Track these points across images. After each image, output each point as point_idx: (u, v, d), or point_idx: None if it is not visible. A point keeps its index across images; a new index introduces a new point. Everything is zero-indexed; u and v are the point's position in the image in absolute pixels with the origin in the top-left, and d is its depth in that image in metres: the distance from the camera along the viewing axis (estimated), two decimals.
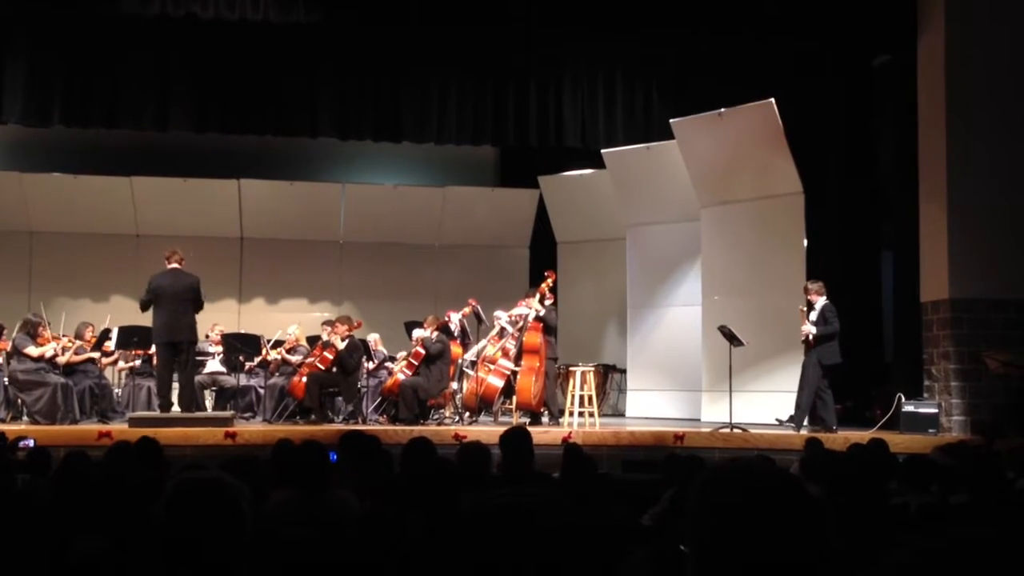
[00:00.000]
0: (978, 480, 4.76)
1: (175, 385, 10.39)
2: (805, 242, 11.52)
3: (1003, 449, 7.06)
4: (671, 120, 12.25)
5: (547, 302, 11.18)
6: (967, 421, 10.34)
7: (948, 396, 10.50)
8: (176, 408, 10.22)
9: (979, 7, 10.74)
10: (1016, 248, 10.43)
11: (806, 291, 10.49)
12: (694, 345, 12.36)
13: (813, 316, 10.32)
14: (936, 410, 10.33)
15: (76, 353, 10.93)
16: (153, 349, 11.38)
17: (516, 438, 5.25)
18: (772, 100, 11.25)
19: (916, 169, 11.15)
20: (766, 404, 11.37)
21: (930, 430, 10.09)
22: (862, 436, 8.79)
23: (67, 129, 12.50)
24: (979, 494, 4.69)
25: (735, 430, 10.17)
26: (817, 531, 1.44)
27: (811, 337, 10.19)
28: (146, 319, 10.83)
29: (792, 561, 1.41)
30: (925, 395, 10.71)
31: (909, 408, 10.36)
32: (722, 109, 11.73)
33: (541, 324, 11.02)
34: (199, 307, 10.25)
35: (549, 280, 11.39)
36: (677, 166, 12.42)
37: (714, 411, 11.59)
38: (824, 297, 10.42)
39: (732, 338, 10.57)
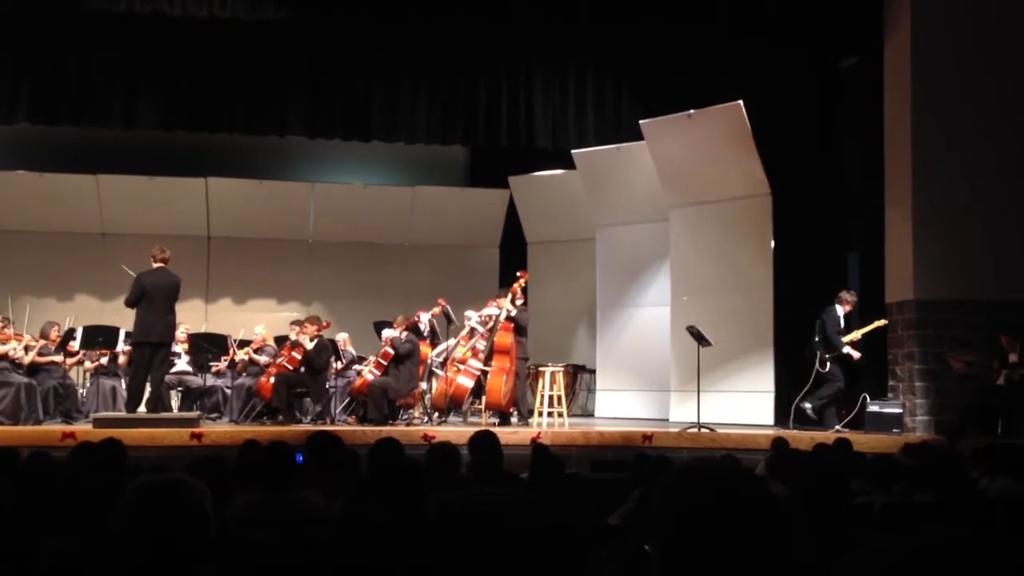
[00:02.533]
0: (942, 480, 4.81)
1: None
2: (773, 243, 11.60)
3: (966, 449, 7.14)
4: (641, 121, 12.29)
5: (518, 302, 11.18)
6: (931, 421, 10.45)
7: (912, 396, 10.61)
8: (142, 409, 10.11)
9: (945, 10, 10.85)
10: (980, 250, 10.56)
11: (849, 302, 10.77)
12: (663, 345, 12.40)
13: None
14: (900, 410, 10.44)
15: (40, 353, 10.81)
16: (119, 348, 11.31)
17: (484, 442, 5.25)
18: (740, 102, 11.32)
19: (882, 171, 11.26)
20: (734, 404, 11.44)
21: (894, 430, 10.20)
22: (827, 436, 8.87)
23: (33, 126, 12.36)
24: (942, 494, 4.74)
25: (703, 430, 10.22)
26: (780, 532, 1.45)
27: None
28: (111, 319, 10.72)
29: (756, 562, 1.42)
30: (890, 395, 10.81)
31: (874, 408, 10.46)
32: (691, 111, 11.79)
33: (512, 324, 11.01)
34: None
35: (522, 280, 11.38)
36: (647, 167, 12.47)
37: (682, 411, 11.64)
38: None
39: (700, 338, 10.62)
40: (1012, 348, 10.11)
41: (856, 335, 10.61)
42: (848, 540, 3.29)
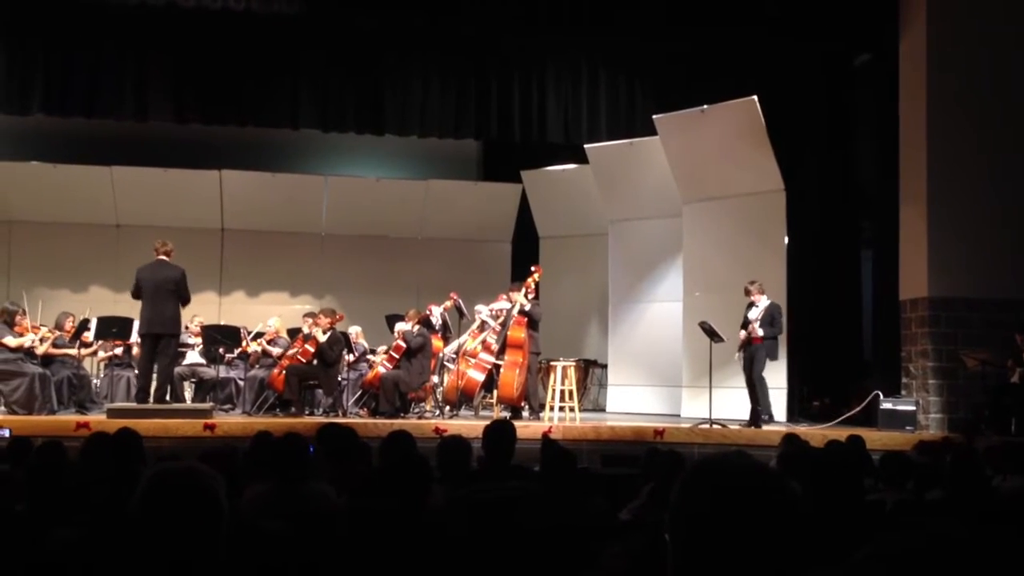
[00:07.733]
0: (958, 477, 4.79)
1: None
2: (786, 239, 11.56)
3: (980, 447, 7.12)
4: (654, 116, 12.26)
5: (531, 296, 11.16)
6: (944, 419, 10.41)
7: (926, 394, 10.57)
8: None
9: (960, 7, 10.79)
10: (994, 248, 10.51)
11: (748, 292, 10.65)
12: (675, 341, 12.38)
13: (755, 313, 10.47)
14: (914, 408, 10.40)
15: (55, 344, 10.85)
16: (133, 339, 11.37)
17: (500, 431, 5.23)
18: (755, 97, 11.27)
19: (896, 168, 11.21)
20: (746, 400, 11.41)
21: (908, 427, 10.16)
22: (840, 433, 8.83)
23: (47, 117, 12.41)
24: (956, 491, 4.72)
25: (714, 426, 10.21)
26: (795, 526, 1.46)
27: (757, 334, 10.43)
28: (125, 310, 10.74)
29: (771, 555, 1.43)
30: (903, 392, 10.77)
31: (887, 405, 10.42)
32: (705, 106, 11.75)
33: (526, 318, 10.99)
34: (185, 300, 10.16)
35: (536, 275, 11.34)
36: (659, 162, 12.44)
37: (694, 407, 11.63)
38: (765, 296, 10.58)
39: (712, 334, 10.60)
40: None
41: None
42: (860, 537, 3.28)
